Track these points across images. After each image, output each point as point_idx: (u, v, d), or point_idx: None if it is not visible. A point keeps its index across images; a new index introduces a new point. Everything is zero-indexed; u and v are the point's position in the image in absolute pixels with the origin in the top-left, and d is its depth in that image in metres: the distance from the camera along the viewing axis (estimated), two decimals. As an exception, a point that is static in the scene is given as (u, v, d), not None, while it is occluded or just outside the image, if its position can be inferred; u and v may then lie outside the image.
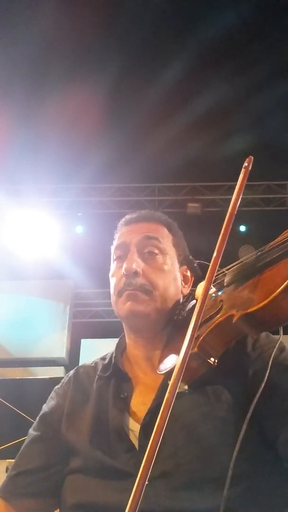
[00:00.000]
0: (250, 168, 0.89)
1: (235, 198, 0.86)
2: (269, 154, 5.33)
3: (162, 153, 5.56)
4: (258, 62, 4.80)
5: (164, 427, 0.64)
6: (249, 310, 0.81)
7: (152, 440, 0.64)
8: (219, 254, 0.81)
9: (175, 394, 0.66)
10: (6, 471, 3.25)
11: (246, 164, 0.89)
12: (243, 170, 0.89)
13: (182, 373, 0.68)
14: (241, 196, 0.87)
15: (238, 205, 0.87)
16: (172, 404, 0.66)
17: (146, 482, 0.62)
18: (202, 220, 6.00)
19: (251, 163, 0.89)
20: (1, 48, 4.55)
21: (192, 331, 0.72)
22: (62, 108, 4.97)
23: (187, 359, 0.70)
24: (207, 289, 0.77)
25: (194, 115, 4.97)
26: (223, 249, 0.81)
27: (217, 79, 4.97)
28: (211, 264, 0.81)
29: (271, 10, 4.59)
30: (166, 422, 0.65)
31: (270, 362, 0.89)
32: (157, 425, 0.64)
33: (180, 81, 4.81)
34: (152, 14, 4.64)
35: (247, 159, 0.90)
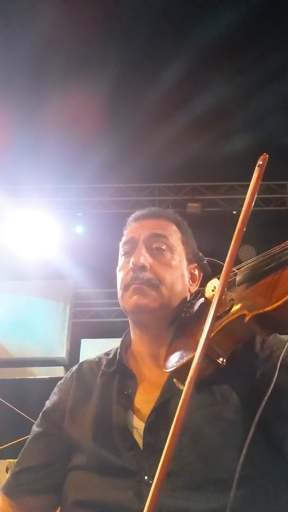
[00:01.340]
0: (264, 166, 0.85)
1: (250, 198, 0.83)
2: (269, 154, 5.31)
3: (162, 153, 5.56)
4: (258, 62, 4.80)
5: (180, 429, 0.64)
6: (262, 310, 0.79)
7: (169, 442, 0.63)
8: (234, 255, 0.80)
9: (191, 397, 0.66)
10: (6, 471, 3.24)
11: (261, 163, 0.85)
12: (257, 168, 0.85)
13: (196, 375, 0.68)
14: (256, 196, 0.84)
15: (252, 205, 0.84)
16: (188, 406, 0.65)
17: (150, 481, 0.62)
18: (202, 220, 6.00)
19: (265, 161, 0.85)
20: (1, 48, 4.55)
21: (208, 333, 0.71)
22: (62, 108, 4.96)
23: (201, 361, 0.69)
24: (222, 291, 0.76)
25: (194, 115, 4.97)
26: (238, 250, 0.80)
27: (217, 79, 4.97)
28: (225, 267, 0.79)
29: (271, 10, 4.59)
30: (182, 424, 0.64)
31: (279, 363, 0.88)
32: (173, 427, 0.64)
33: (180, 81, 4.81)
34: (151, 14, 4.64)
35: (261, 157, 0.85)
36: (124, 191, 6.53)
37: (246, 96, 5.11)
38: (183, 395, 0.66)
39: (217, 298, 0.75)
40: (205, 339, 0.71)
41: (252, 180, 0.85)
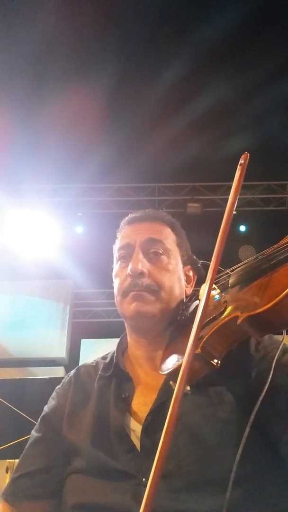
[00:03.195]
0: (246, 165, 0.86)
1: (233, 197, 0.84)
2: (269, 154, 5.32)
3: (162, 153, 5.56)
4: (258, 62, 4.79)
5: (173, 429, 0.64)
6: (254, 312, 0.80)
7: (162, 442, 0.63)
8: (219, 255, 0.80)
9: (182, 396, 0.66)
10: (6, 471, 3.23)
11: (242, 161, 0.86)
12: (239, 167, 0.86)
13: (186, 376, 0.68)
14: (238, 195, 0.84)
15: (235, 204, 0.84)
16: (179, 405, 0.65)
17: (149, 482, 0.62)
18: (202, 220, 6.01)
19: (247, 160, 0.86)
20: (1, 48, 4.55)
21: (196, 333, 0.71)
22: (62, 108, 4.97)
23: (191, 360, 0.69)
24: (209, 291, 0.76)
25: (194, 115, 4.97)
26: (222, 249, 0.80)
27: (217, 79, 4.97)
28: (211, 266, 0.80)
29: (271, 10, 4.59)
30: (175, 423, 0.64)
31: (274, 363, 0.89)
32: (166, 427, 0.64)
33: (180, 81, 4.81)
34: (151, 15, 4.64)
35: (242, 156, 0.86)
36: (124, 191, 6.53)
37: (246, 96, 5.12)
38: (174, 395, 0.67)
39: (203, 302, 0.75)
40: (193, 341, 0.71)
41: (234, 179, 0.85)
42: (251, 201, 6.31)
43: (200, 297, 1.01)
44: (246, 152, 0.86)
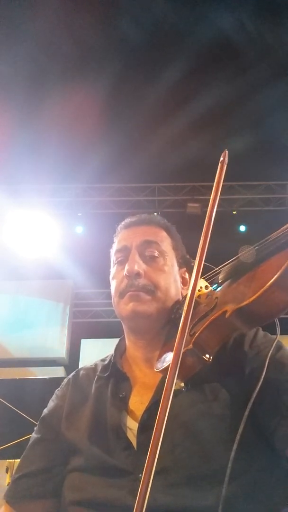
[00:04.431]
0: (226, 162, 0.87)
1: (214, 195, 0.86)
2: (269, 154, 5.32)
3: (162, 153, 5.57)
4: (258, 62, 4.80)
5: (165, 423, 0.65)
6: (240, 305, 0.82)
7: (154, 437, 0.64)
8: (203, 254, 0.81)
9: (172, 390, 0.67)
10: (6, 471, 3.22)
11: (222, 159, 0.88)
12: (219, 165, 0.88)
13: (177, 368, 0.69)
14: (219, 194, 0.86)
15: (216, 203, 0.85)
16: (170, 400, 0.66)
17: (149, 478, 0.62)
18: (202, 220, 5.98)
19: (226, 157, 0.88)
20: (1, 48, 4.55)
21: (182, 328, 0.73)
22: (62, 108, 4.97)
23: (182, 355, 0.70)
24: (194, 289, 0.78)
25: (194, 115, 4.98)
26: (205, 250, 0.81)
27: (217, 79, 4.97)
28: (196, 262, 0.82)
29: (270, 11, 4.59)
30: (166, 418, 0.65)
31: (267, 360, 0.90)
32: (157, 421, 0.65)
33: (180, 81, 4.81)
34: (152, 15, 4.64)
35: (222, 153, 0.88)
36: (124, 191, 6.53)
37: (246, 96, 5.12)
38: (165, 385, 0.68)
39: (187, 300, 0.76)
40: (180, 335, 0.72)
41: (215, 178, 0.88)
42: (251, 201, 6.30)
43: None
44: (225, 150, 0.87)
